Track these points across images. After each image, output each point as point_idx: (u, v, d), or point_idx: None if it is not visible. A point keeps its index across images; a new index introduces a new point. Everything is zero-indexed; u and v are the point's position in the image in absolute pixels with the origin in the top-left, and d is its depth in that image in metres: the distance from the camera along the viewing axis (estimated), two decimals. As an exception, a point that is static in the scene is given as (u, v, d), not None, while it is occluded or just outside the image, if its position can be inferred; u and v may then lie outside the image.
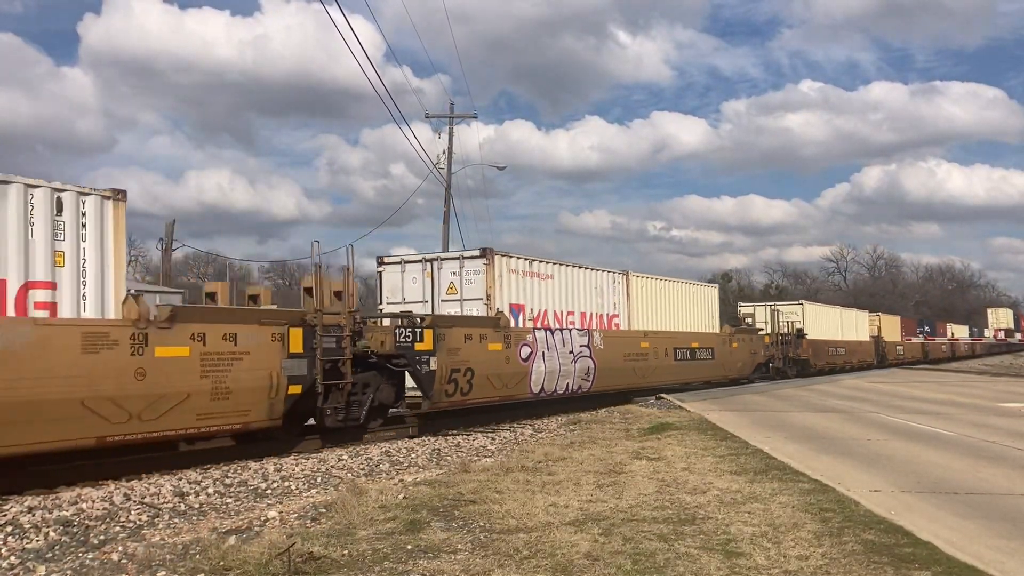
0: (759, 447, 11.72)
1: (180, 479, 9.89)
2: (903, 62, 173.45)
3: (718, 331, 28.52)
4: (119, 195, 10.80)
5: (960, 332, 69.38)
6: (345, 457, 11.83)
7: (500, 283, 18.18)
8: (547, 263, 20.16)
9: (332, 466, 11.01)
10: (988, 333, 61.16)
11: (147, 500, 8.62)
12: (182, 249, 43.71)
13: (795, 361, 36.50)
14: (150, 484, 9.56)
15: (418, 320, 15.64)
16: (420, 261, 18.82)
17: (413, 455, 12.14)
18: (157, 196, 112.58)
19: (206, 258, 63.87)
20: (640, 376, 23.13)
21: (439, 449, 12.86)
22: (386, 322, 16.05)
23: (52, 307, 9.92)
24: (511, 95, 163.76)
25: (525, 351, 18.32)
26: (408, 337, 15.18)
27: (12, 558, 6.45)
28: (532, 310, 19.23)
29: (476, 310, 17.99)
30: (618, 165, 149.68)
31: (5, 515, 7.81)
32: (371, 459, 11.67)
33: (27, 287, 9.74)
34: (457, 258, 18.66)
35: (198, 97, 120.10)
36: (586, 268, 21.72)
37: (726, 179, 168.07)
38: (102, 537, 7.10)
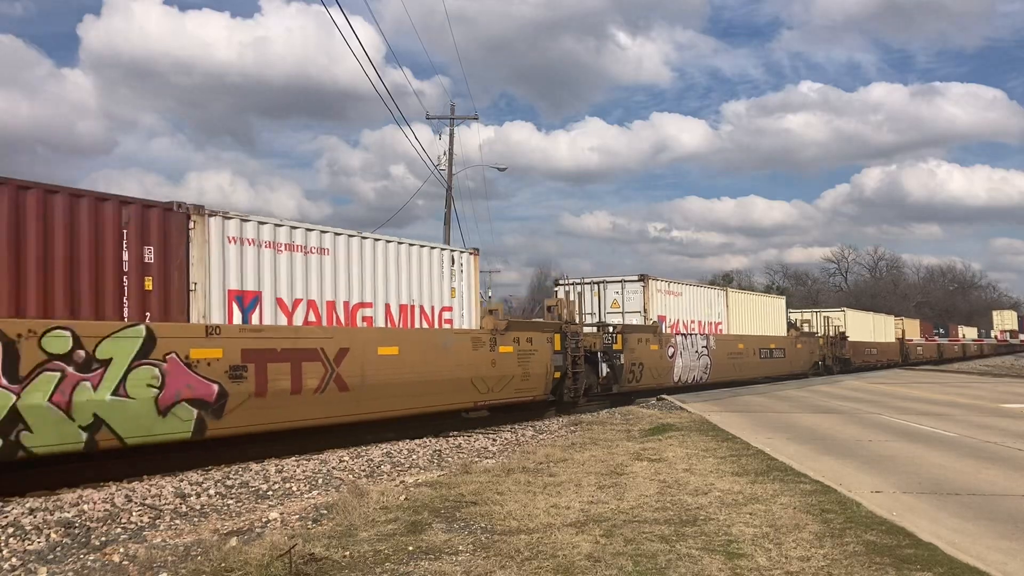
0: (760, 448, 11.71)
1: (181, 480, 9.90)
2: (904, 63, 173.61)
3: (786, 334, 35.59)
4: (476, 251, 17.50)
5: (970, 334, 73.87)
6: (346, 458, 11.83)
7: (653, 300, 25.35)
8: (677, 283, 27.43)
9: (333, 467, 11.01)
10: (994, 334, 62.78)
11: (148, 501, 8.62)
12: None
13: (839, 359, 42.64)
14: (151, 485, 9.56)
15: (611, 328, 22.81)
16: (591, 283, 25.85)
17: (414, 456, 12.14)
18: (158, 198, 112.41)
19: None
20: (737, 371, 30.14)
21: (440, 450, 12.86)
22: (588, 330, 22.08)
23: (450, 322, 16.37)
24: (511, 96, 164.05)
25: (671, 351, 25.41)
26: (608, 341, 22.31)
27: (14, 559, 6.45)
28: (670, 319, 26.10)
29: (634, 320, 24.60)
30: (618, 166, 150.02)
31: (7, 516, 7.82)
32: (372, 460, 11.67)
33: (442, 311, 16.19)
34: (619, 281, 25.64)
35: (198, 99, 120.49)
36: (702, 286, 30.09)
37: (726, 180, 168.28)
38: (103, 538, 7.10)
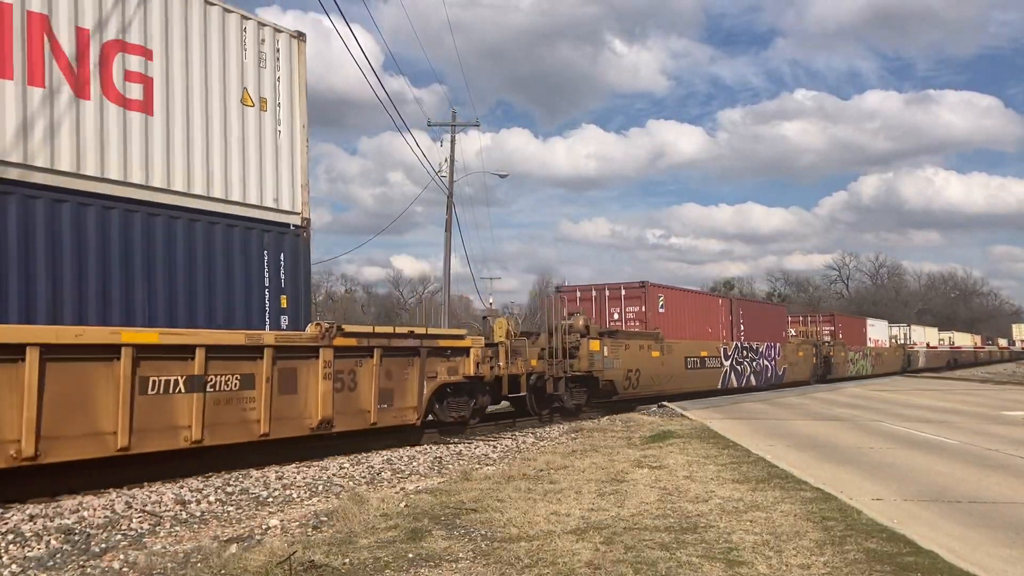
0: (761, 455, 11.70)
1: (182, 487, 9.89)
2: (903, 71, 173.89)
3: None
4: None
5: (1002, 342, 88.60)
6: (346, 465, 11.82)
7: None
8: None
9: (333, 474, 11.00)
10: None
11: (149, 508, 8.62)
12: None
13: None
14: (152, 492, 9.56)
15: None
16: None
17: (414, 463, 12.13)
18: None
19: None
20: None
21: (440, 457, 12.85)
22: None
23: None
24: (507, 104, 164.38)
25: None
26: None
27: (14, 566, 6.45)
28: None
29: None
30: (616, 173, 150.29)
31: (7, 523, 7.81)
32: (372, 467, 11.66)
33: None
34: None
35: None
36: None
37: (725, 187, 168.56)
38: (104, 545, 7.09)
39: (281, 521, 7.79)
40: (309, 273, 13.82)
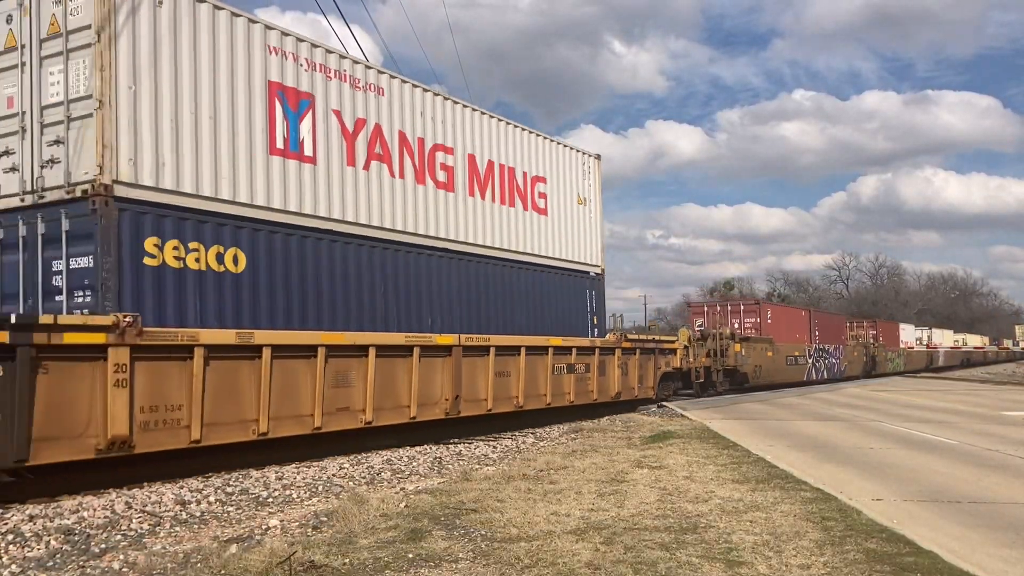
0: (761, 456, 11.70)
1: (182, 487, 9.89)
2: (902, 72, 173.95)
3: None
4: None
5: (1007, 343, 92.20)
6: (346, 465, 11.83)
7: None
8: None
9: (333, 474, 11.01)
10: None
11: (148, 508, 8.62)
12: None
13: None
14: (151, 492, 9.56)
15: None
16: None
17: (414, 463, 12.14)
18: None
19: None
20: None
21: (440, 457, 12.85)
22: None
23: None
24: (506, 104, 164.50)
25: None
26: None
27: (13, 566, 6.45)
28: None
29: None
30: (615, 173, 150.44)
31: (6, 523, 7.81)
32: (372, 467, 11.66)
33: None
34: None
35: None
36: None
37: (724, 187, 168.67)
38: (103, 545, 7.10)
39: (281, 521, 7.80)
40: (604, 301, 21.25)
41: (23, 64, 10.78)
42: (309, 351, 12.11)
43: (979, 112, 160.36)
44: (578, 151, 20.49)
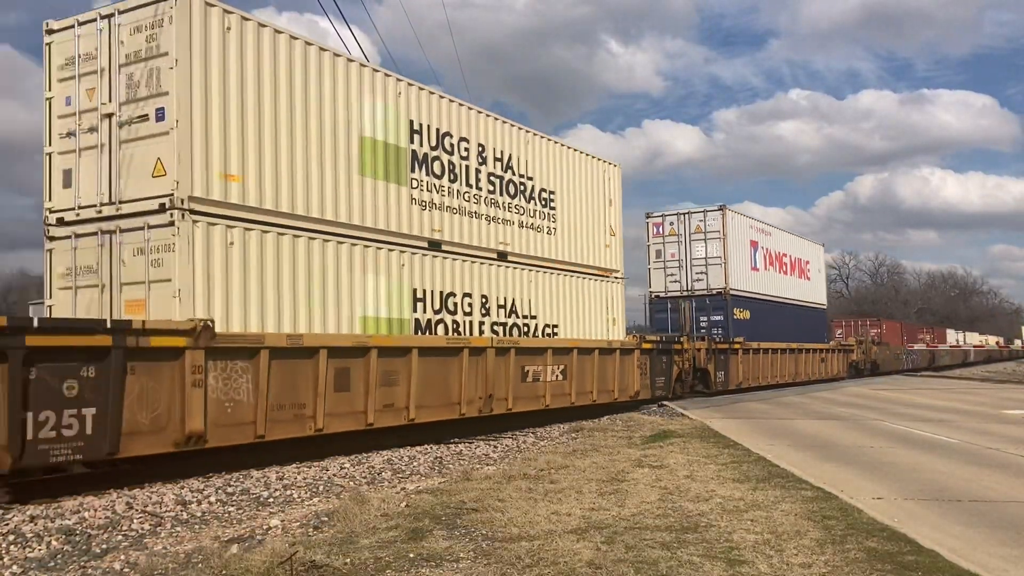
0: (761, 455, 11.70)
1: (182, 488, 9.89)
2: (899, 71, 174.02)
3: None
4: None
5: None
6: (347, 465, 11.82)
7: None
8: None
9: (334, 474, 11.01)
10: None
11: (149, 509, 8.62)
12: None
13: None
14: (152, 493, 9.55)
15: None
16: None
17: (415, 463, 12.13)
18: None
19: None
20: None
21: (441, 457, 12.85)
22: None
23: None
24: (505, 105, 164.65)
25: None
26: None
27: (15, 567, 6.45)
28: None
29: None
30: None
31: (7, 524, 7.81)
32: (373, 467, 11.66)
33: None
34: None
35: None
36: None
37: (722, 187, 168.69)
38: (104, 546, 7.10)
39: (282, 521, 7.80)
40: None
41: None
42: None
43: (976, 111, 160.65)
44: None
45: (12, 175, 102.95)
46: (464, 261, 15.75)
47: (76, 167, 11.42)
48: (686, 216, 28.83)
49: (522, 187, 17.76)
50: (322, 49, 13.07)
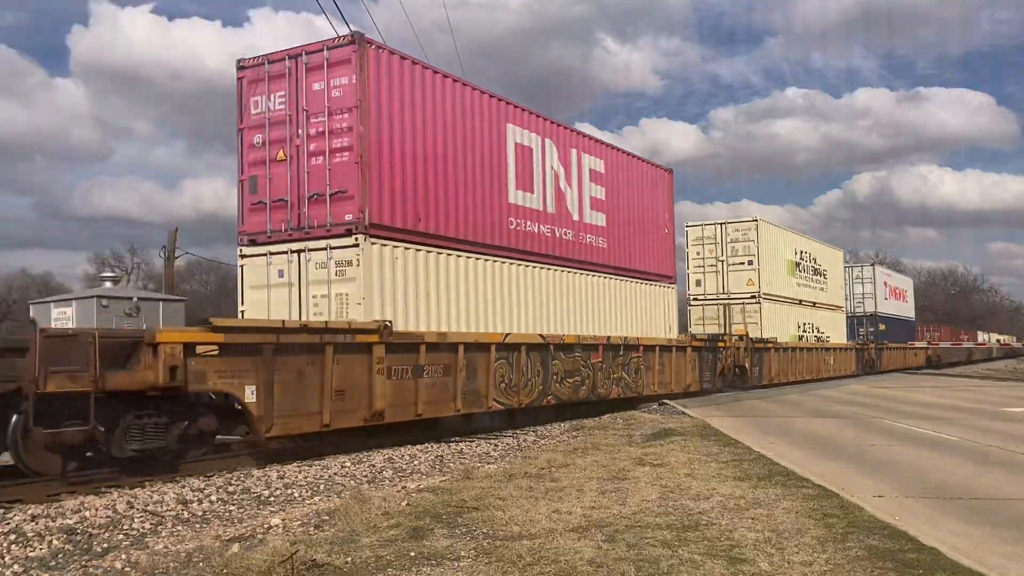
0: (762, 453, 11.70)
1: (183, 487, 9.90)
2: (897, 70, 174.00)
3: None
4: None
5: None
6: (348, 464, 11.83)
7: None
8: None
9: (335, 473, 11.01)
10: None
11: (150, 508, 8.62)
12: (184, 257, 43.84)
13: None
14: (153, 492, 9.56)
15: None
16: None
17: (416, 462, 12.14)
18: (154, 205, 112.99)
19: (208, 266, 63.86)
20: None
21: (442, 456, 12.86)
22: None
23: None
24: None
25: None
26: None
27: (16, 566, 6.46)
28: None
29: None
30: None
31: (8, 523, 7.82)
32: (374, 466, 11.66)
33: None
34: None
35: (191, 107, 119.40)
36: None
37: (721, 185, 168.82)
38: (105, 545, 7.10)
39: (283, 520, 7.80)
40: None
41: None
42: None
43: (973, 109, 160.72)
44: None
45: (12, 175, 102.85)
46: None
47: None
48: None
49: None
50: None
